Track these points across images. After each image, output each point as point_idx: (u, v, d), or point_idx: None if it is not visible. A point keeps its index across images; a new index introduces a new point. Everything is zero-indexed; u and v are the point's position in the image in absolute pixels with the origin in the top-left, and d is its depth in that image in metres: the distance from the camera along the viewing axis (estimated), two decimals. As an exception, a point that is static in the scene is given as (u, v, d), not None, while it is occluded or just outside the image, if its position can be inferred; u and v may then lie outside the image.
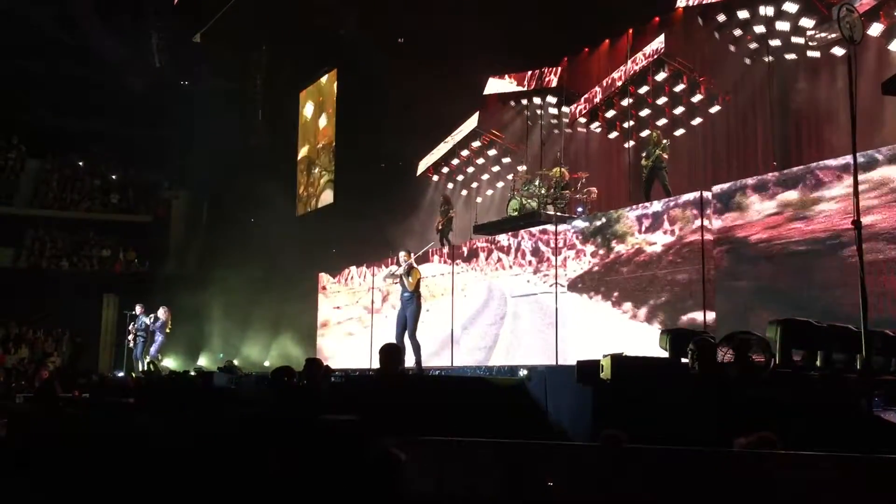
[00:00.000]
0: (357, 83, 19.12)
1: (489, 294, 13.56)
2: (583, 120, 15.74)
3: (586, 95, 15.43)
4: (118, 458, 4.27)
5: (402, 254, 11.33)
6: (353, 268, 17.13)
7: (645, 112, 14.35)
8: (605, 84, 14.98)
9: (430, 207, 17.53)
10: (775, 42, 12.28)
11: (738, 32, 12.85)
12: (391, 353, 5.90)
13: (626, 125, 14.53)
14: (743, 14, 12.55)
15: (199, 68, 21.95)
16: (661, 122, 14.04)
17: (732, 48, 13.09)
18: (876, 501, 3.45)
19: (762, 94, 12.72)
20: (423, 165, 18.75)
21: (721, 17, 12.96)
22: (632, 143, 14.40)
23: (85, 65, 21.95)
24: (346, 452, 3.22)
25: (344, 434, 3.31)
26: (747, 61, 12.97)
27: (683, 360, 6.44)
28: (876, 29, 10.81)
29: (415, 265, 11.02)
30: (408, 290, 10.66)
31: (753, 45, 12.75)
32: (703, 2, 13.09)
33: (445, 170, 18.33)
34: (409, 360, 11.11)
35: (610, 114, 15.01)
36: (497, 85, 17.09)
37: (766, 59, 12.40)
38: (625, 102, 14.42)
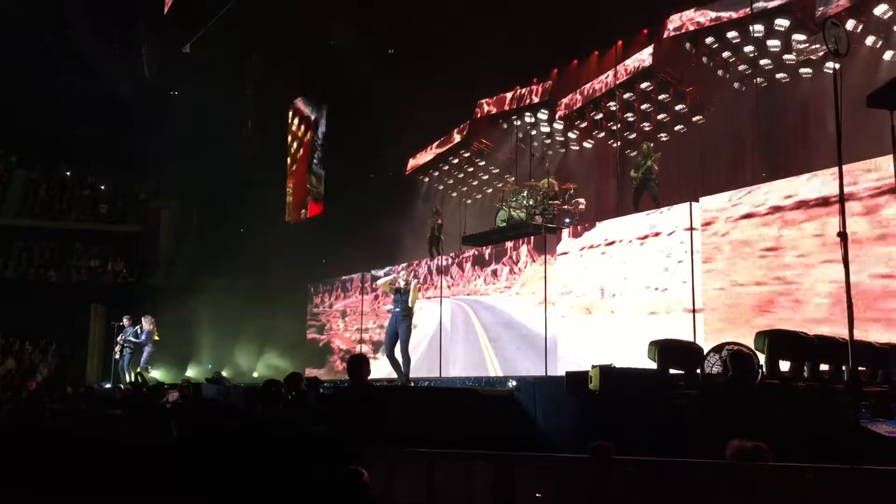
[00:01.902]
0: (347, 93, 19.12)
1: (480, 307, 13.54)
2: (573, 135, 15.82)
3: (572, 96, 15.48)
4: (100, 468, 4.25)
5: (402, 272, 11.50)
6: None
7: (631, 117, 14.49)
8: (592, 86, 15.04)
9: (421, 215, 17.51)
10: (766, 62, 12.37)
11: (727, 55, 12.94)
12: (359, 364, 5.86)
13: (611, 125, 14.68)
14: (732, 35, 12.59)
15: (189, 78, 21.91)
16: (647, 126, 14.25)
17: (722, 73, 13.21)
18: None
19: (751, 109, 12.82)
20: (412, 165, 18.81)
21: (712, 42, 12.98)
22: (618, 143, 14.56)
23: (74, 74, 21.88)
24: (313, 466, 3.22)
25: (312, 447, 3.32)
26: (738, 85, 13.08)
27: (673, 370, 6.46)
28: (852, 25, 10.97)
29: (417, 284, 11.19)
30: (405, 306, 10.70)
31: (743, 68, 12.83)
32: (691, 29, 13.15)
33: (435, 173, 18.38)
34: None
35: (595, 115, 15.07)
36: (486, 108, 17.20)
37: (757, 81, 12.51)
38: (611, 105, 14.54)
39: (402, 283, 10.88)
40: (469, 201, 18.03)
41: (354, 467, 3.36)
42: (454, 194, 18.38)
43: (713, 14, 12.93)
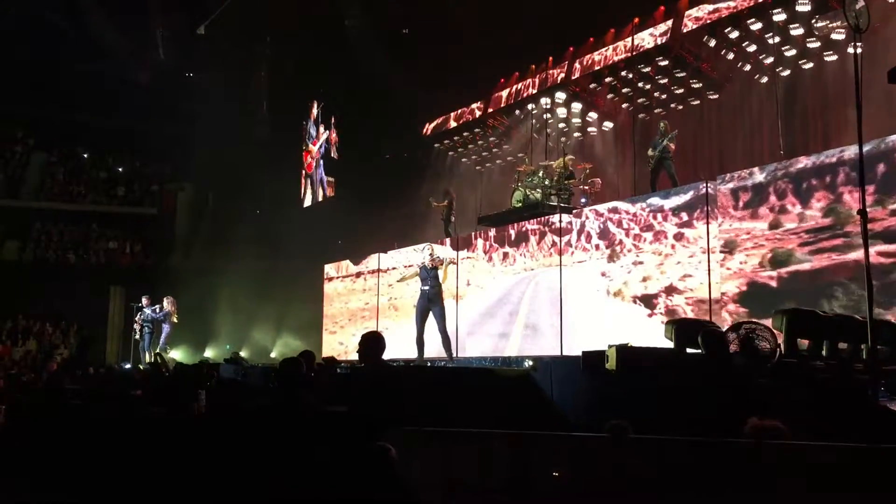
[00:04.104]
0: (361, 71, 19.05)
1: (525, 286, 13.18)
2: (591, 118, 15.68)
3: (586, 58, 15.29)
4: (122, 448, 4.29)
5: (425, 248, 11.42)
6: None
7: (646, 85, 14.37)
8: (607, 53, 14.88)
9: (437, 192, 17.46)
10: (790, 52, 12.14)
11: (749, 48, 12.72)
12: (373, 342, 5.77)
13: (625, 91, 14.56)
14: (754, 25, 12.33)
15: (204, 60, 21.92)
16: (662, 95, 14.27)
17: (748, 67, 13.01)
18: (882, 492, 3.45)
19: (770, 88, 12.67)
20: (428, 129, 18.73)
21: (735, 37, 12.72)
22: (631, 107, 14.71)
23: (90, 57, 21.94)
24: (339, 442, 3.24)
25: (337, 424, 3.34)
26: (764, 79, 12.88)
27: (689, 349, 6.44)
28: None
29: (444, 259, 11.09)
30: (433, 283, 10.64)
31: (767, 60, 12.61)
32: (710, 21, 12.90)
33: (448, 142, 18.28)
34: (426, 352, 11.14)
35: (610, 80, 14.90)
36: (501, 94, 17.04)
37: (782, 74, 12.31)
38: (626, 74, 14.37)
39: (426, 261, 10.82)
40: (480, 168, 18.02)
41: (382, 443, 3.37)
42: (465, 160, 18.33)
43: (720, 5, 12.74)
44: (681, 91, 14.10)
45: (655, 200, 11.20)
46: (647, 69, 14.05)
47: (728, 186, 10.07)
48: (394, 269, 15.73)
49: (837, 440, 3.77)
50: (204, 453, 3.73)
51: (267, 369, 10.76)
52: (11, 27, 20.39)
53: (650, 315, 10.74)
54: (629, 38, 14.21)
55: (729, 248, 9.96)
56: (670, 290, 10.64)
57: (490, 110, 17.18)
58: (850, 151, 8.78)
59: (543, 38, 15.18)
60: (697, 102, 14.06)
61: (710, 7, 12.91)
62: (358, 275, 17.33)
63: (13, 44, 21.20)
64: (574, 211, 12.60)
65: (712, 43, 13.07)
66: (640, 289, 11.04)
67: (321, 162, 21.51)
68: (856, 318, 6.20)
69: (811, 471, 3.60)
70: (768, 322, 6.23)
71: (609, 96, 15.15)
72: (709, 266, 10.04)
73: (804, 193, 9.23)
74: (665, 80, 14.10)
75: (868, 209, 7.74)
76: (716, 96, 13.84)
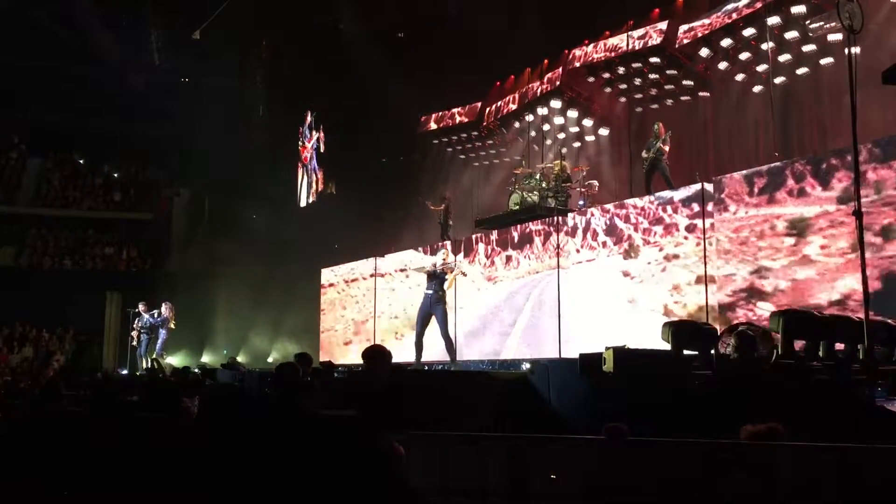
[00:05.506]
0: (357, 75, 19.07)
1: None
2: (588, 123, 15.71)
3: (585, 54, 15.28)
4: (119, 454, 4.29)
5: (441, 252, 11.44)
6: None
7: (639, 82, 14.36)
8: (603, 46, 14.87)
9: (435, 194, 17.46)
10: (785, 58, 12.11)
11: (746, 58, 12.70)
12: (376, 356, 5.56)
13: (620, 85, 14.58)
14: (749, 33, 12.25)
15: (199, 65, 21.92)
16: (654, 91, 14.29)
17: (742, 77, 13.00)
18: (878, 491, 3.45)
19: (765, 94, 12.69)
20: (424, 123, 18.70)
21: (729, 45, 12.66)
22: (622, 97, 14.74)
23: (85, 63, 21.93)
24: (347, 446, 3.23)
25: (344, 428, 3.33)
26: (758, 89, 12.88)
27: (686, 351, 6.44)
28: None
29: (454, 267, 11.05)
30: (437, 289, 10.59)
31: (762, 69, 12.59)
32: (704, 33, 12.91)
33: (445, 139, 18.25)
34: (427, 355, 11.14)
35: (604, 74, 14.88)
36: (498, 102, 17.02)
37: (777, 83, 12.29)
38: (620, 70, 14.37)
39: (438, 263, 10.80)
40: (478, 165, 18.03)
41: (389, 444, 3.37)
42: (462, 163, 18.32)
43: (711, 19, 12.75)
44: (675, 89, 14.11)
45: (664, 193, 11.05)
46: (642, 67, 14.05)
47: (741, 173, 9.96)
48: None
49: (835, 440, 3.77)
50: (196, 457, 3.73)
51: (264, 374, 10.74)
52: (6, 31, 20.35)
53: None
54: (624, 36, 14.22)
55: (797, 229, 8.88)
56: (752, 293, 9.45)
57: (486, 116, 17.16)
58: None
59: (539, 41, 15.22)
60: (692, 101, 14.07)
61: (701, 21, 12.91)
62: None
63: (8, 48, 21.18)
64: (571, 214, 12.61)
65: (710, 55, 13.08)
66: (701, 295, 10.07)
67: (314, 154, 21.76)
68: (852, 318, 6.22)
69: (809, 471, 3.60)
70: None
71: (602, 88, 15.13)
72: (705, 264, 10.04)
73: (823, 174, 8.89)
74: (660, 77, 14.11)
75: None
76: (708, 95, 13.83)
